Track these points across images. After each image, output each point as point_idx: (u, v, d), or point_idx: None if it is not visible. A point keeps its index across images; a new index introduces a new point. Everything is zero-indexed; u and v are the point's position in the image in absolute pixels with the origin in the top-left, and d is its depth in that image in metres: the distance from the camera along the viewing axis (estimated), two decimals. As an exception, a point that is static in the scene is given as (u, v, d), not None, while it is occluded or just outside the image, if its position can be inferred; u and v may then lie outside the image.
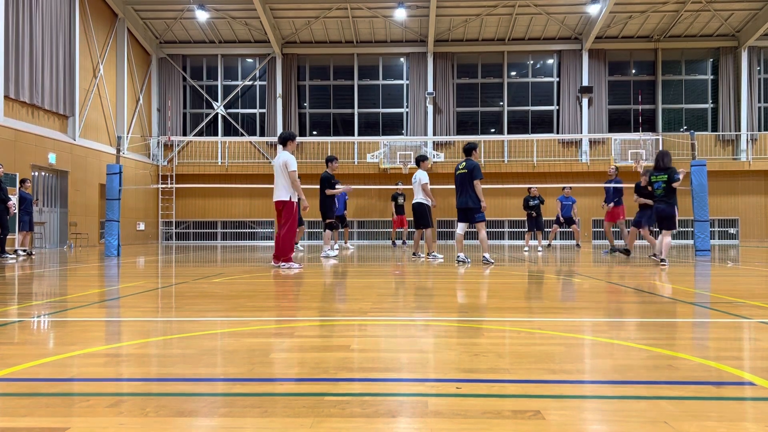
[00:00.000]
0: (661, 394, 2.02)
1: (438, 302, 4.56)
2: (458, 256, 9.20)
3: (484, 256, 9.00)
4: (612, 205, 12.82)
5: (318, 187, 11.36)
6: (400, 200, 17.23)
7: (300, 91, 23.13)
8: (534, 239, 15.47)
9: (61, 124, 17.09)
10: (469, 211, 9.06)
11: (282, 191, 8.07)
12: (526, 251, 13.46)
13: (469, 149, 9.15)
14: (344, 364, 2.44)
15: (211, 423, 1.74)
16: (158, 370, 2.40)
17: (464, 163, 9.13)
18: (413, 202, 10.53)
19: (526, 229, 14.64)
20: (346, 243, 15.93)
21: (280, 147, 8.44)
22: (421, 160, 10.52)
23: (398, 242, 17.86)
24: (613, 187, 12.83)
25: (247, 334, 3.16)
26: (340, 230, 15.05)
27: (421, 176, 10.34)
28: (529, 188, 14.58)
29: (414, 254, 10.82)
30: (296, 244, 15.05)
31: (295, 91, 22.73)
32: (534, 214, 14.25)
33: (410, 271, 7.88)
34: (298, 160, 22.06)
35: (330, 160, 11.19)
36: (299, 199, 8.26)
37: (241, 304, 4.41)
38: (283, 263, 7.99)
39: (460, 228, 9.38)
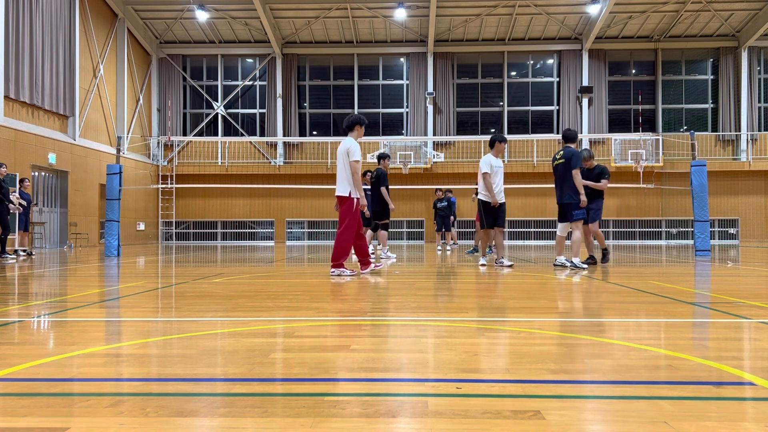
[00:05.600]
0: (661, 394, 2.02)
1: (437, 303, 4.57)
2: (556, 260, 8.23)
3: (571, 261, 7.91)
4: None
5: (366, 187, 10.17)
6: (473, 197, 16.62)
7: (300, 91, 23.12)
8: (444, 239, 15.60)
9: (61, 124, 17.09)
10: (567, 207, 7.91)
11: (343, 185, 6.91)
12: (438, 250, 13.71)
13: (571, 137, 7.96)
14: (344, 364, 2.44)
15: (211, 423, 1.74)
16: (158, 370, 2.40)
17: (562, 152, 7.93)
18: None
19: (436, 229, 14.90)
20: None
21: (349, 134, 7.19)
22: (499, 140, 8.44)
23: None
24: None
25: (247, 334, 3.16)
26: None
27: (481, 164, 8.35)
28: (437, 190, 14.78)
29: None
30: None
31: (295, 91, 22.73)
32: (442, 215, 14.57)
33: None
34: (298, 159, 22.54)
35: (383, 157, 10.14)
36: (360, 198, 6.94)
37: (241, 304, 4.41)
38: (333, 269, 6.84)
39: (560, 229, 8.24)
